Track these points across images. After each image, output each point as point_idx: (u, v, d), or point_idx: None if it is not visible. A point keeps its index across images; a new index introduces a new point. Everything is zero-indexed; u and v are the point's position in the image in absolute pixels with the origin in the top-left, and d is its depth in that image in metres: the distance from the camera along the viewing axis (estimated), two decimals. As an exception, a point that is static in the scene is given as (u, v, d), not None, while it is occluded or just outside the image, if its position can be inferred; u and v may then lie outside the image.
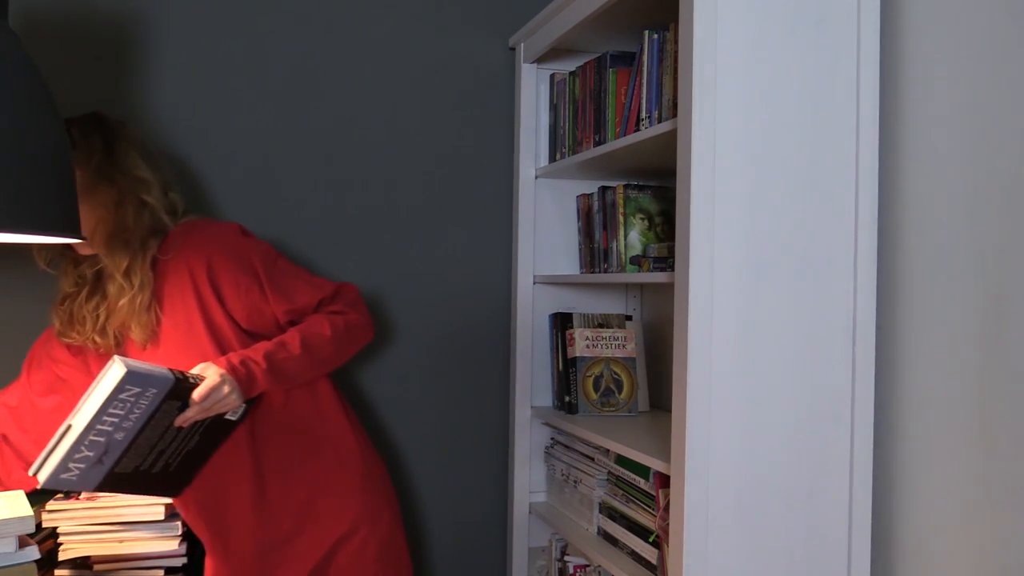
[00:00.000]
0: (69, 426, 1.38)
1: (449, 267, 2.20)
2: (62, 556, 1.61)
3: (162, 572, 1.63)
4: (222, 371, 1.45)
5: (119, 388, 1.36)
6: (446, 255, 2.20)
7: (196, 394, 1.43)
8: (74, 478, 1.42)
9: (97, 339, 1.59)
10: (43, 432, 1.65)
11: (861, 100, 1.44)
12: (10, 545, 1.42)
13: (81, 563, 1.61)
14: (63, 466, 1.39)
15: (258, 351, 1.52)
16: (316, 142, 2.09)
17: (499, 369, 2.25)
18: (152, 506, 1.63)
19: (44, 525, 1.62)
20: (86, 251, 1.59)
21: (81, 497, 1.64)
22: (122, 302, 1.53)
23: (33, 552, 1.45)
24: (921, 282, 1.44)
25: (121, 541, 1.63)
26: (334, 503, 1.64)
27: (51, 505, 1.62)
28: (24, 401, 1.67)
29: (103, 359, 1.60)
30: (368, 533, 1.67)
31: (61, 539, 1.61)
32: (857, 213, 1.44)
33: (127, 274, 1.53)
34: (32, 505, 1.56)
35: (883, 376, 1.49)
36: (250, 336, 1.61)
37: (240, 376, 1.46)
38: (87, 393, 1.39)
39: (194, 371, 1.46)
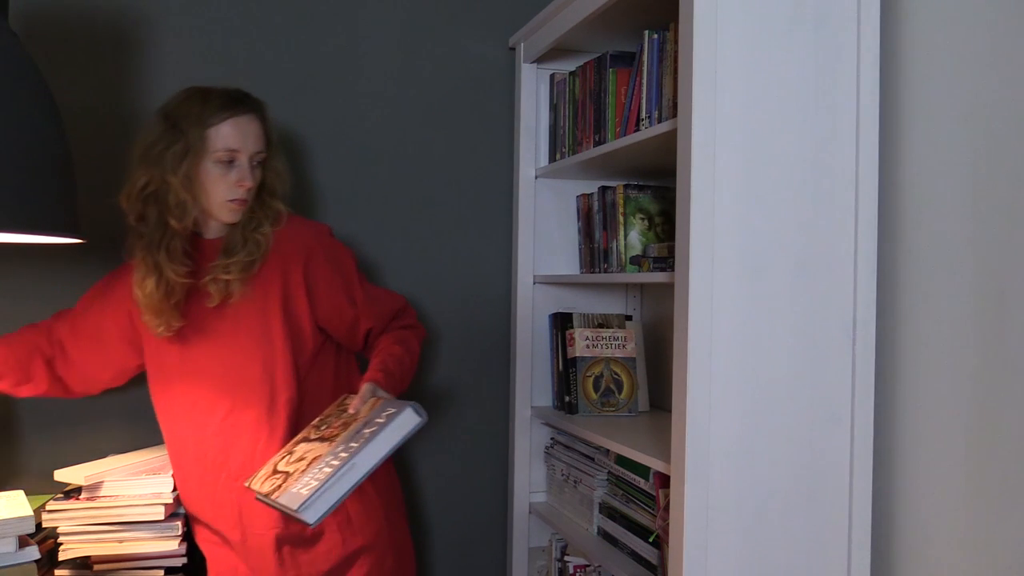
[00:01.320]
0: (352, 465, 1.36)
1: (449, 267, 2.20)
2: (62, 556, 1.61)
3: (162, 572, 1.63)
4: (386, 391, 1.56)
5: (410, 434, 1.42)
6: (446, 255, 2.20)
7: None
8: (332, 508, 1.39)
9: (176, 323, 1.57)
10: (86, 368, 1.67)
11: (861, 100, 1.44)
12: (10, 545, 1.43)
13: (81, 563, 1.61)
14: (338, 503, 1.37)
15: (394, 374, 1.60)
16: (315, 142, 2.08)
17: (499, 369, 2.25)
18: (152, 506, 1.63)
19: (44, 525, 1.62)
20: (233, 219, 1.58)
21: (81, 497, 1.64)
22: (243, 261, 1.54)
23: (33, 552, 1.45)
24: (921, 282, 1.44)
25: (121, 541, 1.63)
26: (360, 511, 1.64)
27: (51, 505, 1.62)
28: (72, 332, 1.65)
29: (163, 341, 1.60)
30: (388, 546, 1.68)
31: (61, 539, 1.61)
32: (857, 213, 1.44)
33: (266, 235, 1.58)
34: (32, 505, 1.56)
35: (883, 376, 1.49)
36: (320, 331, 1.66)
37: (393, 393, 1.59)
38: (373, 433, 1.40)
39: (364, 391, 1.53)
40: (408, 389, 2.14)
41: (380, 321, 1.70)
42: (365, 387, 1.52)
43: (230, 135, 1.53)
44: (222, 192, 1.54)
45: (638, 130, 1.67)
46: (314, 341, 1.63)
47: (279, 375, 1.59)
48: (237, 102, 1.55)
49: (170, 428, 1.66)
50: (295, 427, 1.60)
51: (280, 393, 1.59)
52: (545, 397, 2.17)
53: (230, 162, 1.54)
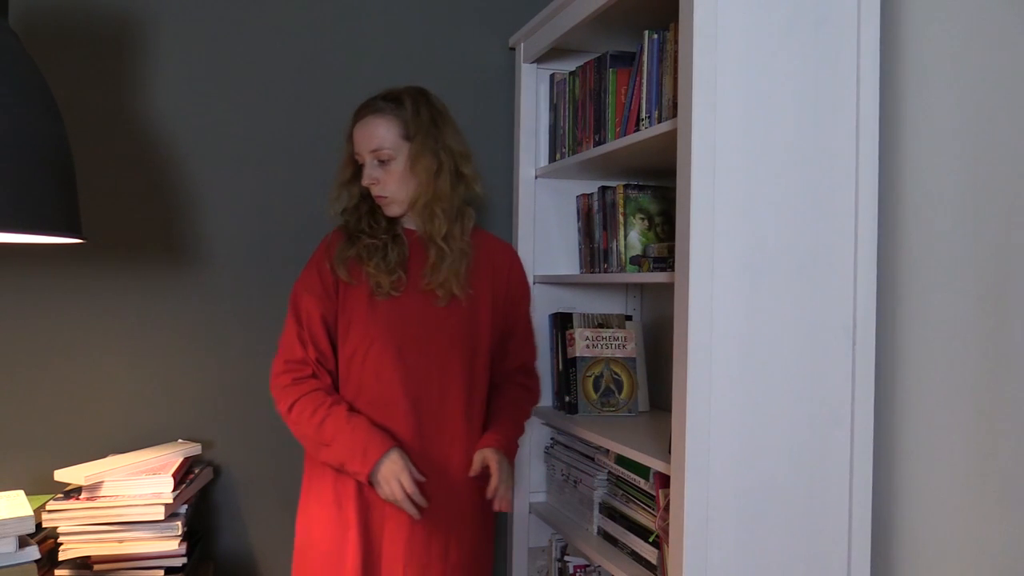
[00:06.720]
0: None
1: (449, 267, 2.20)
2: (62, 556, 1.61)
3: (162, 572, 1.63)
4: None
5: None
6: (446, 255, 2.20)
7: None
8: None
9: (384, 282, 1.63)
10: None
11: (861, 100, 1.44)
12: (10, 545, 1.43)
13: (81, 563, 1.61)
14: None
15: (512, 439, 1.71)
16: (315, 142, 2.08)
17: (499, 369, 2.24)
18: (152, 506, 1.63)
19: (44, 525, 1.62)
20: (395, 212, 1.67)
21: (81, 497, 1.64)
22: (443, 265, 1.64)
23: (33, 552, 1.45)
24: (921, 282, 1.44)
25: (121, 541, 1.63)
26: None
27: (51, 505, 1.62)
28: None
29: (370, 300, 1.64)
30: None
31: (61, 539, 1.61)
32: (857, 213, 1.44)
33: (446, 239, 1.65)
34: (32, 505, 1.56)
35: (883, 376, 1.49)
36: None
37: (505, 452, 1.67)
38: None
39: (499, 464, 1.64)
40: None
41: (519, 358, 1.84)
42: (490, 455, 1.62)
43: (355, 140, 1.66)
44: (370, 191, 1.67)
45: (638, 130, 1.67)
46: (488, 346, 1.78)
47: None
48: (363, 106, 1.66)
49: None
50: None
51: None
52: (545, 397, 2.17)
53: (363, 164, 1.65)
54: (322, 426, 1.56)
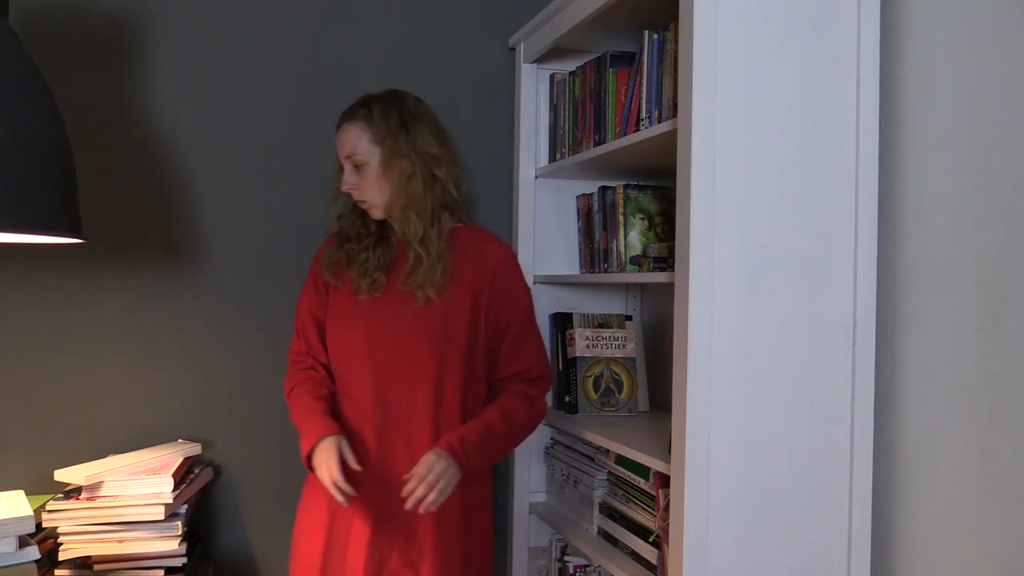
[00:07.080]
0: None
1: (449, 267, 2.20)
2: (62, 556, 1.61)
3: (162, 572, 1.63)
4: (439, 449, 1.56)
5: None
6: (446, 255, 2.20)
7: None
8: None
9: (363, 284, 1.67)
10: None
11: (861, 100, 1.44)
12: (10, 545, 1.43)
13: (81, 563, 1.61)
14: None
15: (472, 446, 1.59)
16: (315, 142, 2.08)
17: (499, 369, 2.24)
18: (152, 506, 1.63)
19: (44, 525, 1.62)
20: (378, 215, 1.69)
21: (81, 497, 1.64)
22: (421, 268, 1.64)
23: (33, 552, 1.45)
24: (921, 281, 1.44)
25: (121, 541, 1.63)
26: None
27: (51, 505, 1.62)
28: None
29: (353, 300, 1.68)
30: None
31: (61, 539, 1.61)
32: (857, 213, 1.44)
33: (423, 243, 1.64)
34: (32, 505, 1.56)
35: (883, 376, 1.49)
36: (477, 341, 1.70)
37: (457, 455, 1.56)
38: None
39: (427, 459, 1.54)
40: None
41: (518, 369, 1.74)
42: (429, 455, 1.54)
43: (336, 147, 1.70)
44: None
45: (638, 130, 1.67)
46: (468, 346, 1.74)
47: None
48: (342, 113, 1.70)
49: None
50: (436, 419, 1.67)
51: None
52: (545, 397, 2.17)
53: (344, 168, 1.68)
54: (296, 413, 1.66)
